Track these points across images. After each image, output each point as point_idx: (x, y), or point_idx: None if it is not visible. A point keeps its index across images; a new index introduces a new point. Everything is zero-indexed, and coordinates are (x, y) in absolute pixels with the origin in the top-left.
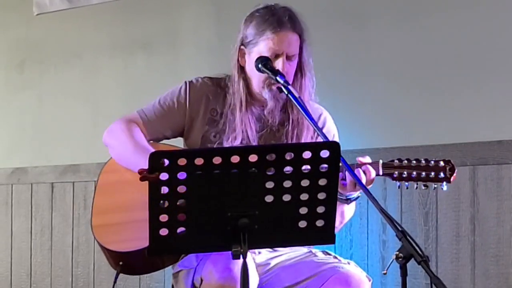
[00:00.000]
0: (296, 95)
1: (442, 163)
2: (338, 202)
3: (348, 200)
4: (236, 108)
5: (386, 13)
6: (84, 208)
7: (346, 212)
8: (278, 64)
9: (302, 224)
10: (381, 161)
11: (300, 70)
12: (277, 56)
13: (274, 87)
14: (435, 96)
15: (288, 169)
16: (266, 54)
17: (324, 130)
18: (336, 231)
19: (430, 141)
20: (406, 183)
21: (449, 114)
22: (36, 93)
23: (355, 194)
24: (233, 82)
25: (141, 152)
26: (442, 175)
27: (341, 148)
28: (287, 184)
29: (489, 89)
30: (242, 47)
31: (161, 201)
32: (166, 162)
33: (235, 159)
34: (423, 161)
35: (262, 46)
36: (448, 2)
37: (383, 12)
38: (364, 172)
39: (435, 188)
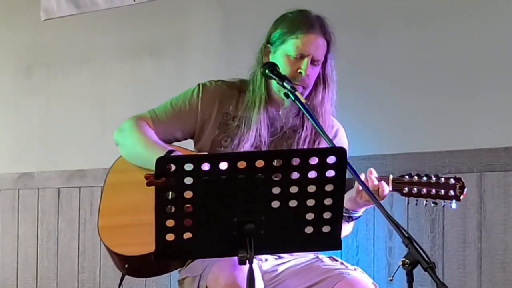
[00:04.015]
0: (303, 101)
1: (452, 181)
2: None
3: (350, 218)
4: (255, 106)
5: (395, 20)
6: (91, 213)
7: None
8: (302, 64)
9: (309, 230)
10: (391, 176)
11: (323, 81)
12: (302, 57)
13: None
14: (442, 102)
15: (294, 174)
16: (291, 53)
17: (334, 142)
18: None
19: (437, 148)
20: (415, 200)
21: (456, 120)
22: (43, 98)
23: (358, 213)
24: (255, 80)
25: (154, 148)
26: (452, 193)
27: (348, 154)
28: (294, 189)
29: (496, 95)
30: (268, 45)
31: (168, 206)
32: (173, 167)
33: (241, 164)
34: (434, 178)
35: (290, 45)
36: (458, 9)
37: (393, 19)
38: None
39: (444, 206)
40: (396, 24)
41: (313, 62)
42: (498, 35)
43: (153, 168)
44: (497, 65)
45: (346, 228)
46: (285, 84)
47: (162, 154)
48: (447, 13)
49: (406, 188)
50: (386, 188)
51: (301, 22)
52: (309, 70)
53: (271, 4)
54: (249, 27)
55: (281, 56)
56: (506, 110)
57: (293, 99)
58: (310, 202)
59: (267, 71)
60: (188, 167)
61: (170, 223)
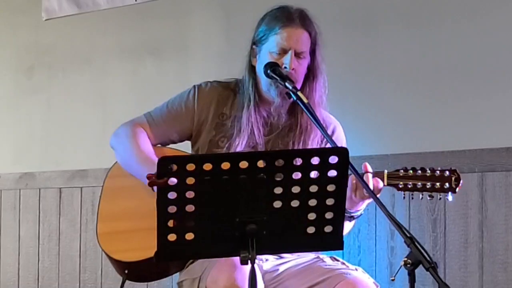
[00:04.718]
0: (305, 101)
1: (447, 173)
2: None
3: (351, 218)
4: (244, 106)
5: (395, 20)
6: (92, 213)
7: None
8: (286, 59)
9: (311, 230)
10: (386, 171)
11: (312, 73)
12: (285, 51)
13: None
14: (443, 102)
15: (296, 174)
16: (273, 49)
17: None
18: None
19: (438, 148)
20: (411, 193)
21: (457, 120)
22: (45, 98)
23: (359, 212)
24: (243, 81)
25: (143, 162)
26: (447, 185)
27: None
28: (296, 189)
29: (497, 95)
30: (254, 46)
31: (169, 207)
32: (175, 167)
33: (243, 164)
34: (429, 171)
35: (271, 42)
36: (458, 9)
37: (392, 19)
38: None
39: (440, 198)
40: (397, 24)
41: (297, 55)
42: (499, 35)
43: (144, 181)
44: (498, 65)
45: (347, 227)
46: (287, 84)
47: (153, 170)
48: (447, 13)
49: (402, 183)
50: (380, 183)
51: (279, 17)
52: (294, 64)
53: (272, 4)
54: (250, 28)
55: (265, 55)
56: (507, 110)
57: (295, 99)
58: (312, 202)
59: (268, 71)
60: (190, 167)
61: (172, 223)
